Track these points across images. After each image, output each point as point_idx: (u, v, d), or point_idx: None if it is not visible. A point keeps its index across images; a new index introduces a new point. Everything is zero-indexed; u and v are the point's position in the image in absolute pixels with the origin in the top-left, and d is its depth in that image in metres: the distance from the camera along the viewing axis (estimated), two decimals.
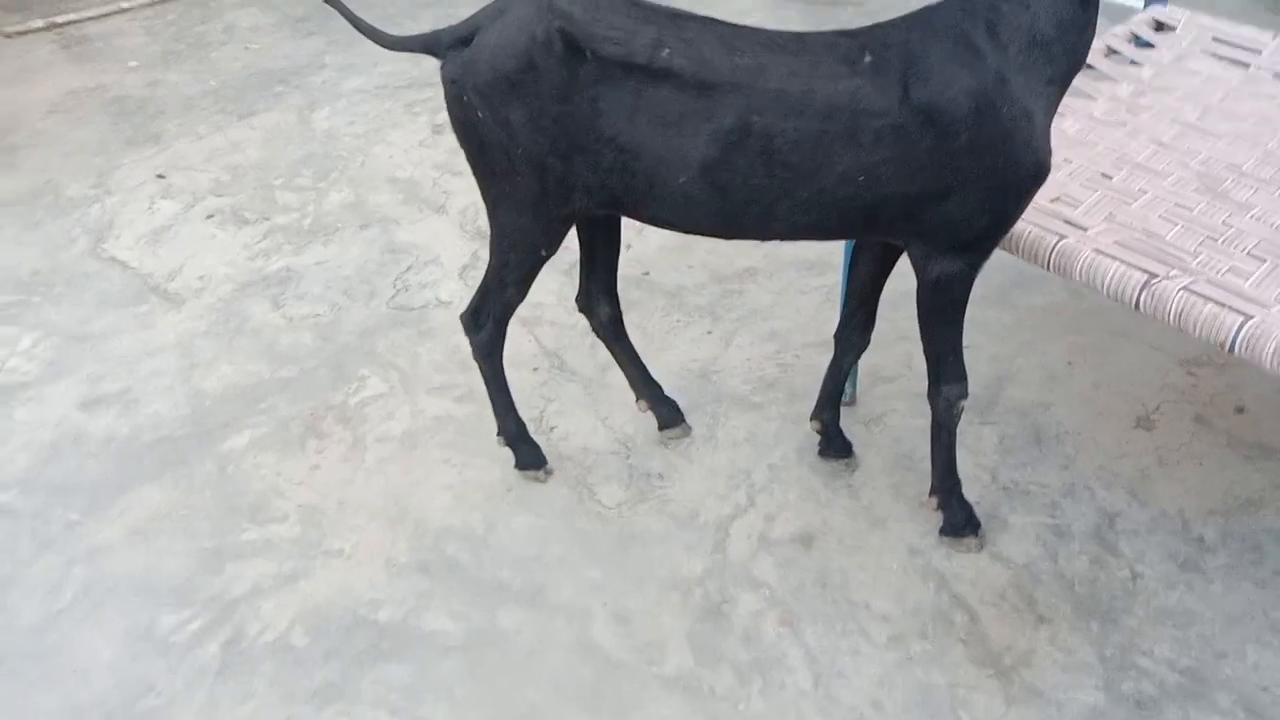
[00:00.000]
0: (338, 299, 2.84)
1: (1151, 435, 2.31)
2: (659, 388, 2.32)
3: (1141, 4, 2.59)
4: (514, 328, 2.65)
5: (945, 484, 2.04)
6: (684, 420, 2.34)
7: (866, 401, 2.43)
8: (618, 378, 2.47)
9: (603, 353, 2.59)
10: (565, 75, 1.64)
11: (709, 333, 2.66)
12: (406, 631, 1.99)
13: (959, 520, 2.05)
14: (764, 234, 1.78)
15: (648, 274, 2.87)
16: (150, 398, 2.55)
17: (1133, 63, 2.37)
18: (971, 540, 2.06)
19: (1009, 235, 1.85)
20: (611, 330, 2.21)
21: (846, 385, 2.39)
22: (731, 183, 1.64)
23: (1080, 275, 1.78)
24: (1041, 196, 1.95)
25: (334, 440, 2.41)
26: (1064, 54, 1.62)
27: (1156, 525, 2.12)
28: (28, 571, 2.14)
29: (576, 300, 2.20)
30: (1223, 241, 1.83)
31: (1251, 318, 1.63)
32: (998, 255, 1.83)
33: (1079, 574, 2.03)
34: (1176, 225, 1.88)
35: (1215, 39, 2.41)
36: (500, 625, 1.99)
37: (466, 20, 1.75)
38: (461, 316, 2.07)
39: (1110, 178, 2.01)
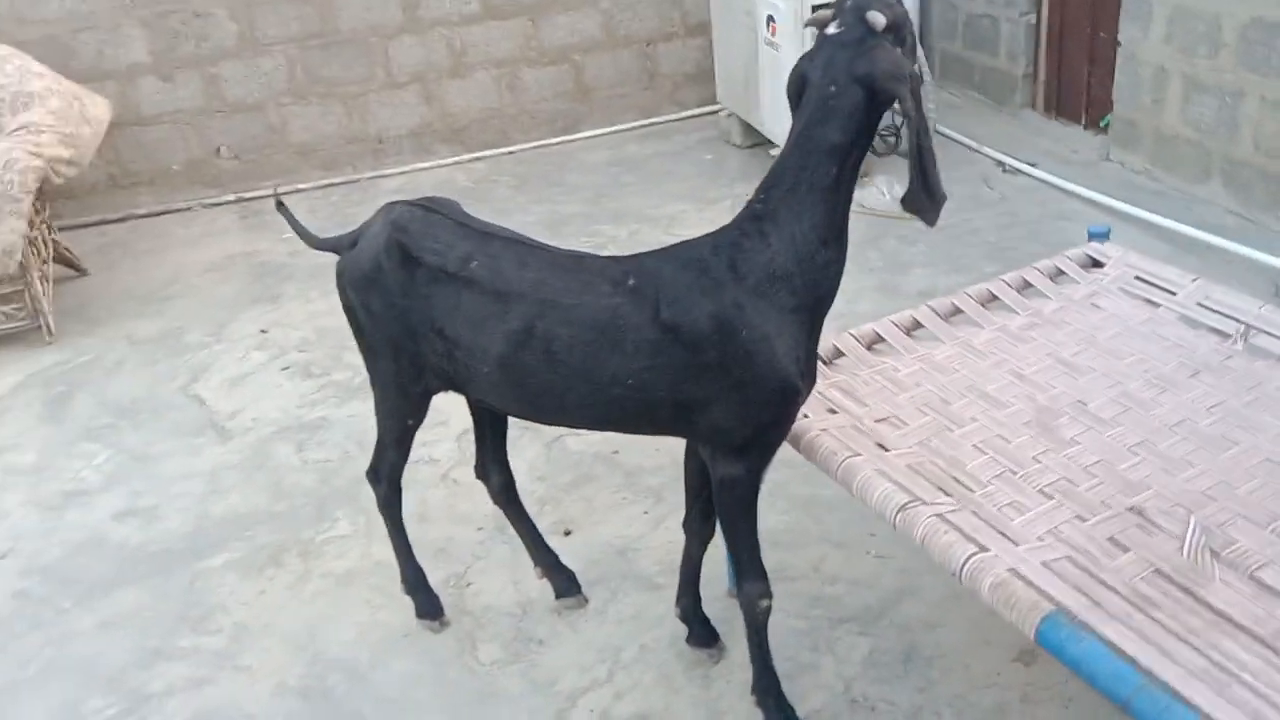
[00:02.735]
0: (350, 448, 3.22)
1: (1028, 670, 2.24)
2: (554, 555, 2.51)
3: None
4: (477, 488, 2.92)
5: (761, 683, 2.10)
6: (579, 591, 2.51)
7: None
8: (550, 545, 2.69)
9: (544, 522, 2.82)
10: (404, 276, 1.98)
11: (645, 513, 2.82)
12: None
13: None
14: (565, 421, 2.01)
15: (616, 452, 3.08)
16: (169, 515, 2.99)
17: (1043, 296, 2.42)
18: None
19: (810, 445, 1.97)
20: (505, 496, 2.45)
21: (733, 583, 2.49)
22: (523, 376, 1.90)
23: (855, 490, 1.87)
24: (870, 414, 2.06)
25: (288, 570, 2.74)
26: (805, 287, 1.78)
27: None
28: (14, 644, 2.56)
29: (475, 469, 2.46)
30: (1021, 476, 1.87)
31: (986, 551, 1.67)
32: None
33: None
34: (985, 455, 1.93)
35: (1138, 277, 2.43)
36: None
37: (358, 228, 2.13)
38: (366, 473, 2.38)
39: (950, 404, 2.08)
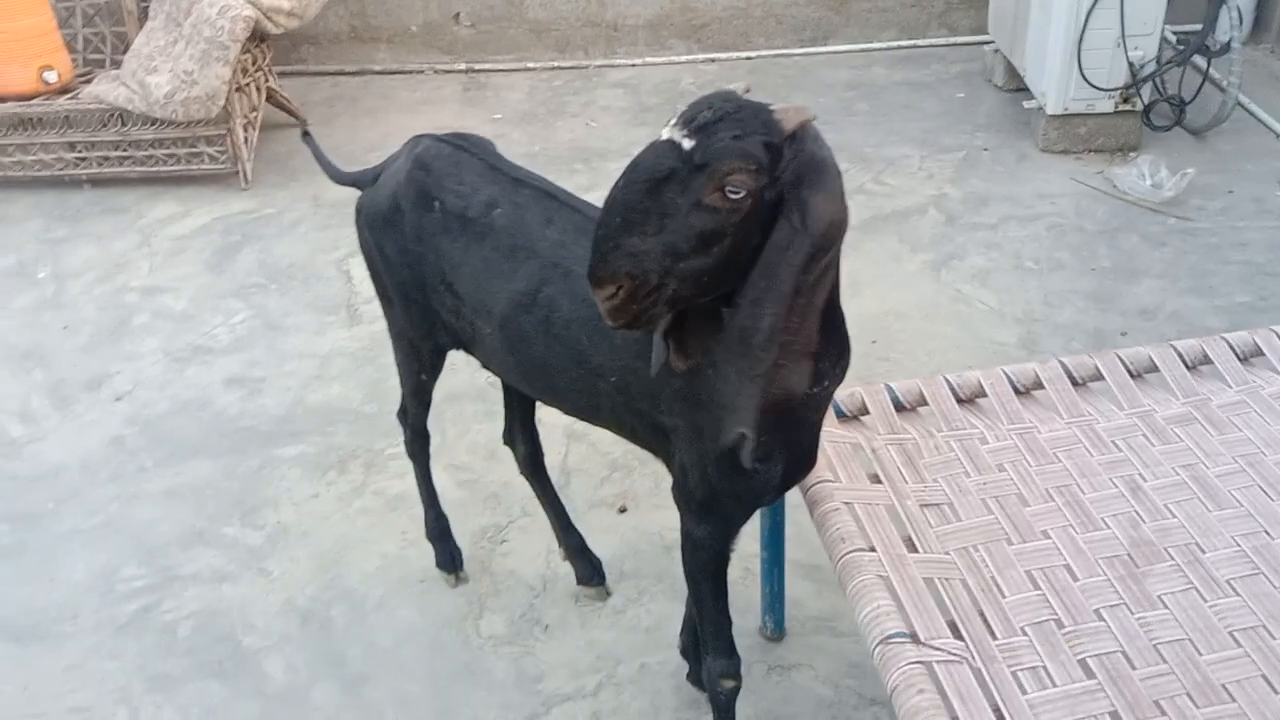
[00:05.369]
0: (460, 359, 3.10)
1: None
2: (579, 537, 2.30)
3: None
4: (557, 435, 2.74)
5: None
6: (603, 581, 2.30)
7: (793, 644, 2.18)
8: (598, 520, 2.49)
9: (603, 490, 2.61)
10: (419, 219, 1.77)
11: None
12: (249, 662, 2.22)
13: None
14: (561, 406, 1.79)
15: None
16: (272, 393, 3.02)
17: (1221, 380, 1.86)
18: None
19: (823, 519, 1.62)
20: (530, 467, 2.26)
21: (767, 619, 2.18)
22: (519, 344, 1.69)
23: (848, 595, 1.51)
24: (920, 494, 1.67)
25: (348, 479, 2.69)
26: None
27: None
28: (91, 492, 2.68)
29: (503, 435, 2.26)
30: (1067, 634, 1.44)
31: None
32: None
33: None
34: (1035, 590, 1.51)
35: None
36: (311, 697, 2.14)
37: (382, 162, 1.93)
38: (397, 413, 2.24)
39: (1027, 504, 1.65)
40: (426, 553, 2.41)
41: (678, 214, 1.17)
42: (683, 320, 1.33)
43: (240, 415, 2.94)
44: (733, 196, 1.16)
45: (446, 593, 2.35)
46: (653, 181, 1.18)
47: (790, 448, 1.49)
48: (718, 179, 1.16)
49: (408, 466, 2.67)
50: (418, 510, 2.54)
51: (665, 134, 1.20)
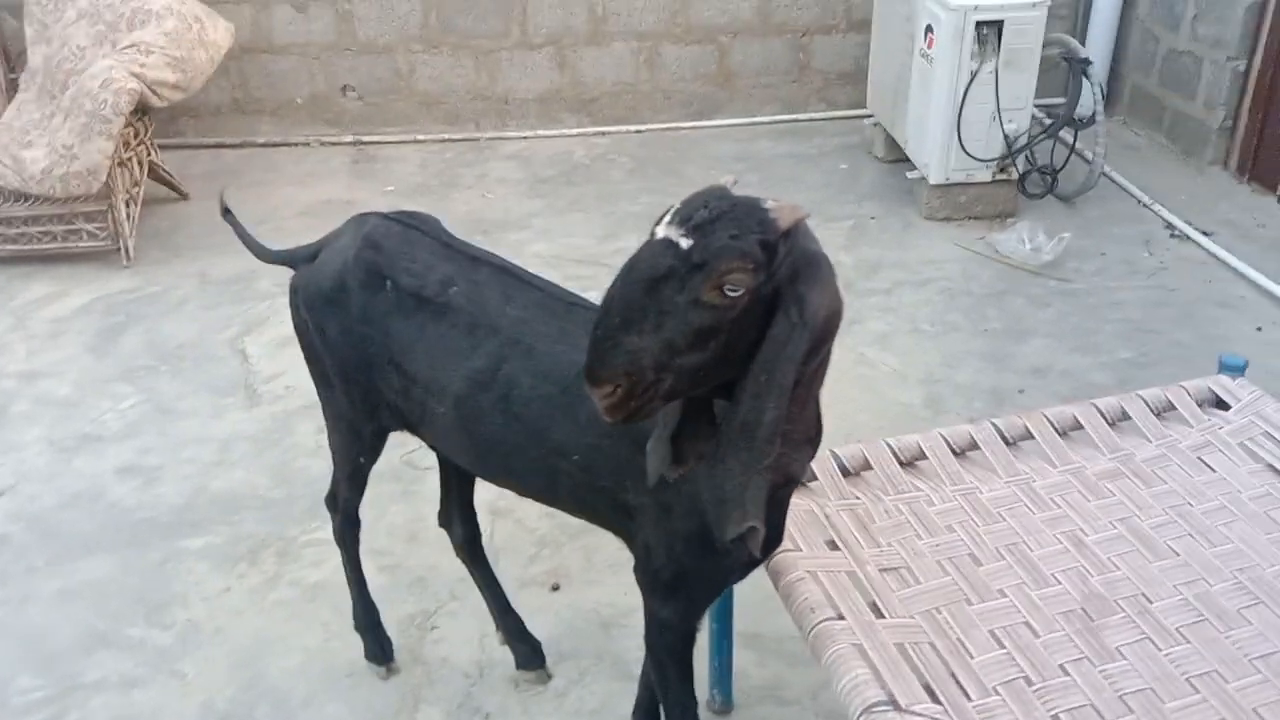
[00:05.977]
0: None
1: None
2: (518, 620, 2.24)
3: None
4: (481, 513, 2.65)
5: None
6: (543, 664, 2.24)
7: (741, 716, 2.17)
8: (531, 600, 2.43)
9: (533, 569, 2.55)
10: (368, 299, 1.73)
11: None
12: None
13: None
14: (513, 486, 1.76)
15: None
16: (169, 481, 2.86)
17: (1141, 436, 1.97)
18: None
19: (789, 590, 1.62)
20: (468, 551, 2.20)
21: (715, 692, 2.16)
22: (475, 423, 1.65)
23: (823, 665, 1.51)
24: (878, 559, 1.69)
25: (259, 571, 2.56)
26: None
27: None
28: None
29: (438, 516, 2.21)
30: (1037, 690, 1.47)
31: None
32: None
33: None
34: (1001, 649, 1.54)
35: (1268, 432, 1.94)
36: None
37: (319, 240, 1.89)
38: (325, 498, 2.15)
39: (981, 564, 1.69)
40: (352, 644, 2.30)
41: (675, 312, 1.17)
42: (682, 425, 1.32)
43: (137, 506, 2.77)
44: (731, 294, 1.17)
45: (378, 686, 2.25)
46: (651, 280, 1.17)
47: (774, 524, 1.49)
48: (716, 278, 1.16)
49: (324, 554, 2.59)
50: (338, 599, 2.45)
51: (661, 232, 1.20)
